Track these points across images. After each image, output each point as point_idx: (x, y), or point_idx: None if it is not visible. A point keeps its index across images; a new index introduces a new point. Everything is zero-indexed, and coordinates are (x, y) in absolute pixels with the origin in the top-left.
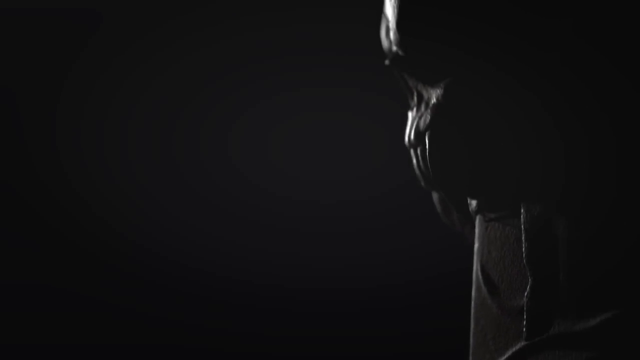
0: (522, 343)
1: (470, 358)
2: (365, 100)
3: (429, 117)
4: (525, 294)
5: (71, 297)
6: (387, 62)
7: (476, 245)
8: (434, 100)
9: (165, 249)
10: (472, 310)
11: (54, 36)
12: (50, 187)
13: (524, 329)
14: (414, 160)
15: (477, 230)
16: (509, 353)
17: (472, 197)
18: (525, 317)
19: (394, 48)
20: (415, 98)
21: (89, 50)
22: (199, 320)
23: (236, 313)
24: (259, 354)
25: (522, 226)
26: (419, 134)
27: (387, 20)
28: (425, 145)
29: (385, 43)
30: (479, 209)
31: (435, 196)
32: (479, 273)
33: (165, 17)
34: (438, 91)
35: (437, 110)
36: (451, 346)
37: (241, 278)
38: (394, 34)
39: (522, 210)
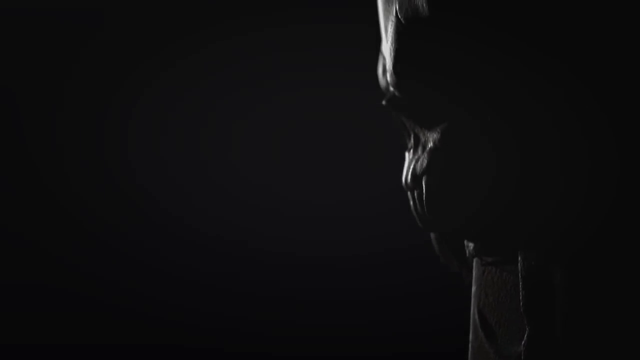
0: None
1: None
2: (365, 100)
3: (425, 161)
4: (523, 342)
5: (71, 297)
6: (384, 102)
7: (473, 288)
8: (430, 145)
9: (165, 249)
10: (469, 353)
11: (54, 36)
12: (50, 187)
13: None
14: (411, 202)
15: (474, 273)
16: None
17: (469, 241)
18: None
19: (391, 88)
20: (412, 139)
21: (89, 50)
22: (199, 320)
23: (236, 313)
24: (259, 354)
25: (520, 274)
26: (416, 178)
27: (384, 59)
28: (422, 189)
29: (382, 82)
30: (476, 253)
31: (432, 236)
32: (476, 317)
33: (165, 17)
34: (435, 135)
35: (434, 155)
36: (451, 346)
37: (241, 278)
38: (391, 75)
39: (519, 258)
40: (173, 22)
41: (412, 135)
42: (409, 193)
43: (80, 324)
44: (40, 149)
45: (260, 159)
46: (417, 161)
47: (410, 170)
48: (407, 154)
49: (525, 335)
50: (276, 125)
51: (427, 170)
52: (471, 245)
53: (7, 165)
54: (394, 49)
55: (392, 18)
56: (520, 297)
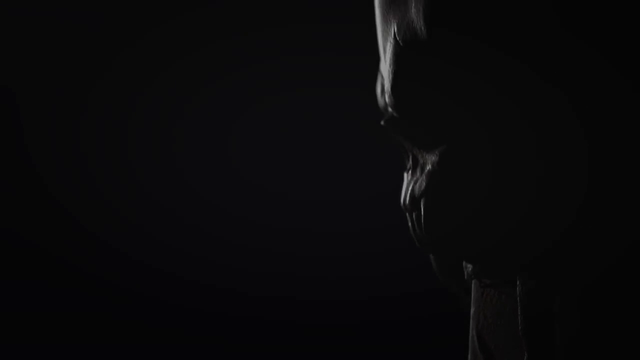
0: None
1: None
2: (365, 100)
3: (424, 183)
4: None
5: (71, 297)
6: (382, 122)
7: (472, 310)
8: (429, 167)
9: (166, 249)
10: None
11: (54, 36)
12: (50, 187)
13: None
14: (410, 224)
15: (473, 295)
16: None
17: (468, 262)
18: None
19: (389, 109)
20: (410, 160)
21: (89, 50)
22: (199, 320)
23: (236, 313)
24: (260, 353)
25: (518, 298)
26: (414, 200)
27: (383, 79)
28: (421, 211)
29: (380, 101)
30: (475, 275)
31: (432, 256)
32: (475, 338)
33: (165, 17)
34: (433, 157)
35: (432, 178)
36: (449, 346)
37: (241, 278)
38: (389, 97)
39: (518, 283)
40: (173, 22)
41: (410, 157)
42: (407, 214)
43: (81, 324)
44: (40, 149)
45: (260, 159)
46: (415, 183)
47: (409, 192)
48: (405, 175)
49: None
50: (276, 125)
51: (425, 193)
52: (470, 266)
53: (7, 165)
54: (392, 71)
55: (391, 39)
56: (519, 322)
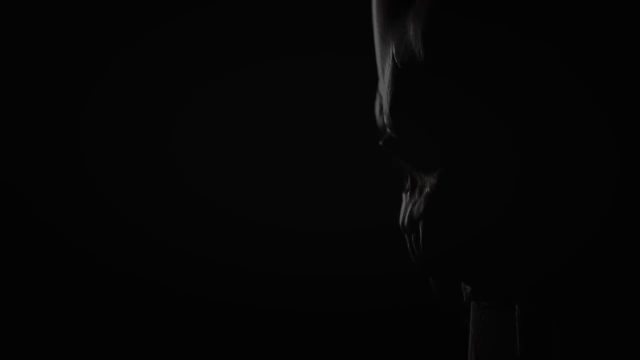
0: None
1: None
2: (365, 99)
3: (422, 206)
4: None
5: (71, 297)
6: (380, 142)
7: (471, 331)
8: (427, 189)
9: (166, 249)
10: None
11: (55, 36)
12: (50, 187)
13: None
14: (408, 245)
15: (471, 316)
16: None
17: (467, 284)
18: None
19: (388, 130)
20: (409, 181)
21: (89, 51)
22: (199, 320)
23: (236, 313)
24: (259, 353)
25: (517, 322)
26: (413, 222)
27: (381, 99)
28: (419, 233)
29: (379, 121)
30: (473, 296)
31: (430, 278)
32: None
33: (164, 17)
34: (432, 180)
35: (431, 200)
36: (448, 347)
37: (241, 279)
38: (387, 118)
39: (516, 307)
40: (173, 22)
41: (409, 178)
42: (405, 236)
43: (81, 324)
44: (41, 149)
45: (257, 159)
46: (414, 205)
47: (407, 213)
48: (404, 196)
49: None
50: (273, 125)
51: (424, 215)
52: (468, 288)
53: (8, 165)
54: (390, 92)
55: (389, 61)
56: (517, 344)
